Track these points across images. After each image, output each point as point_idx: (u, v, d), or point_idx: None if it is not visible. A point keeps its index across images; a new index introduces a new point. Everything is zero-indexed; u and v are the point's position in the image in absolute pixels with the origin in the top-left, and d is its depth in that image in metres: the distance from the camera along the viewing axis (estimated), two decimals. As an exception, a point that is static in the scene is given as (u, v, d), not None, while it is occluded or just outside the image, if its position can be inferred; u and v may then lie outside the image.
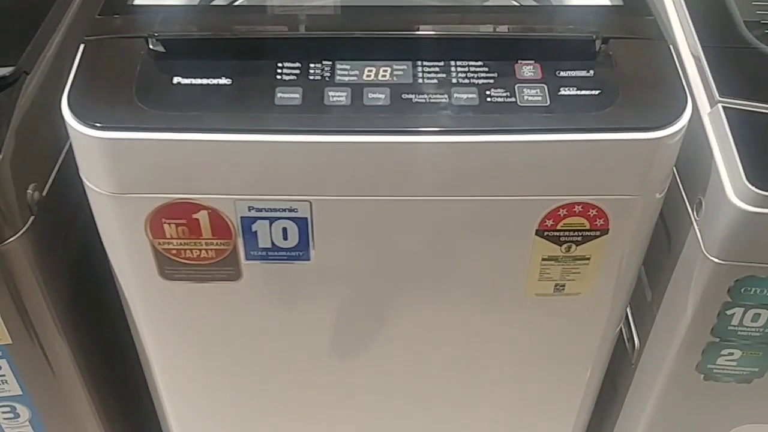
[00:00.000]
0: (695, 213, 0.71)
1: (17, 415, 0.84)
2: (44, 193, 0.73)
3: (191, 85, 0.64)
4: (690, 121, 0.65)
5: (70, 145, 0.67)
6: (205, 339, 0.81)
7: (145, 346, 0.81)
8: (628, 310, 0.89)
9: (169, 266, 0.72)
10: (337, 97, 0.63)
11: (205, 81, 0.64)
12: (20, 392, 0.81)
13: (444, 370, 0.85)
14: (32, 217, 0.71)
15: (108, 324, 0.87)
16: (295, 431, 0.94)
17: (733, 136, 0.66)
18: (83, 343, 0.82)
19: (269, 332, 0.80)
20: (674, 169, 0.71)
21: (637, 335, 0.86)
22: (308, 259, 0.72)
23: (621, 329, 0.89)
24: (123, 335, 0.82)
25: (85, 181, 0.68)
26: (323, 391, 0.88)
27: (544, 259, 0.71)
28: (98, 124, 0.62)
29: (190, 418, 0.91)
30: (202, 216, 0.68)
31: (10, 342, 0.76)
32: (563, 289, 0.74)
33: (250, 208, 0.67)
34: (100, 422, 0.88)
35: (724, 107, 0.68)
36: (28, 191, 0.70)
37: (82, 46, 0.67)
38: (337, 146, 0.63)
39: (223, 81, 0.64)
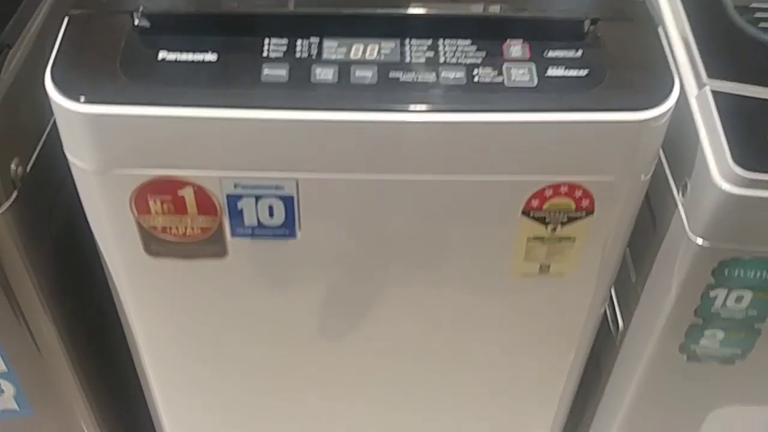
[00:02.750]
0: (681, 195, 0.71)
1: (1, 391, 0.84)
2: (28, 169, 0.72)
3: (176, 60, 0.63)
4: (677, 103, 0.65)
5: (55, 121, 0.66)
6: (191, 317, 0.81)
7: (131, 323, 0.81)
8: (613, 291, 0.89)
9: (155, 243, 0.72)
10: (324, 74, 0.63)
11: (190, 57, 0.63)
12: (5, 369, 0.81)
13: (429, 349, 0.85)
14: (15, 192, 0.70)
15: (94, 301, 0.87)
16: (282, 410, 0.94)
17: (720, 119, 0.66)
18: (68, 320, 0.82)
19: (256, 311, 0.80)
20: (660, 151, 0.71)
21: (621, 316, 0.87)
22: (294, 237, 0.71)
23: (605, 310, 0.89)
24: (109, 313, 0.82)
25: (69, 156, 0.67)
26: (310, 370, 0.88)
27: (529, 240, 0.72)
28: (82, 99, 0.62)
29: (177, 395, 0.91)
30: (188, 193, 0.67)
31: (-6, 318, 0.76)
32: (548, 270, 0.74)
33: (236, 186, 0.67)
34: (85, 400, 0.88)
35: (711, 90, 0.68)
36: (11, 166, 0.70)
37: (66, 20, 0.66)
38: (324, 124, 0.62)
39: (209, 57, 0.63)
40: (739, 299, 0.72)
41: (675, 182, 0.72)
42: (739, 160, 0.64)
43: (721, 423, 0.85)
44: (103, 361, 0.93)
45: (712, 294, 0.72)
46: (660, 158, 0.74)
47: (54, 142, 0.69)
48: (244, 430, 0.97)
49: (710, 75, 0.69)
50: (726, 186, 0.64)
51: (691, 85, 0.71)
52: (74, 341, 0.84)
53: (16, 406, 0.86)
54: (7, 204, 0.69)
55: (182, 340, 0.83)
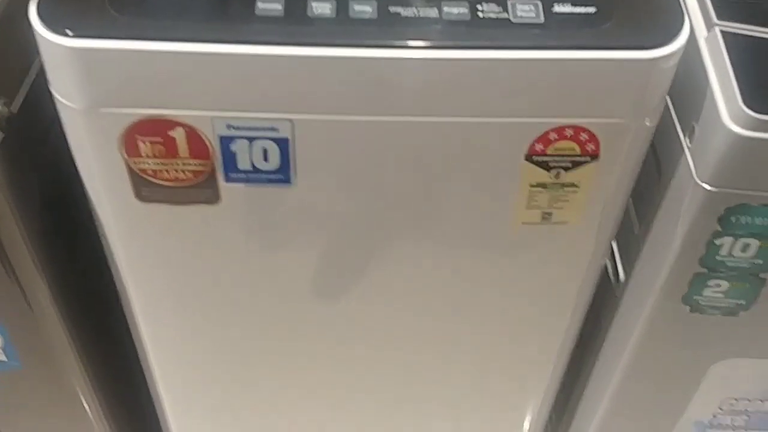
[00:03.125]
0: (688, 140, 0.69)
1: (-11, 342, 0.82)
2: (14, 110, 0.70)
3: (167, -8, 0.61)
4: (686, 45, 0.62)
5: (42, 60, 0.63)
6: (183, 266, 0.79)
7: (122, 272, 0.79)
8: (614, 244, 0.88)
9: (146, 187, 0.69)
10: (322, 8, 0.60)
11: (182, -11, 0.61)
12: (-8, 319, 0.79)
13: (428, 302, 0.83)
14: (1, 134, 0.68)
15: (83, 249, 0.85)
16: (274, 365, 0.93)
17: (730, 60, 0.64)
18: (58, 268, 0.80)
19: (249, 262, 0.78)
20: (667, 96, 0.69)
21: (623, 268, 0.85)
22: (290, 183, 0.69)
23: (606, 263, 0.88)
24: (99, 261, 0.80)
25: (55, 95, 0.65)
26: (304, 324, 0.87)
27: (532, 186, 0.70)
28: (69, 33, 0.59)
29: (169, 346, 0.89)
30: (179, 134, 0.65)
31: (-20, 265, 0.74)
32: (550, 218, 0.73)
33: (228, 126, 0.65)
34: (75, 353, 0.86)
35: (721, 31, 0.66)
36: (-3, 106, 0.67)
37: (52, -49, 0.63)
38: (320, 60, 0.60)
39: (201, -11, 0.61)
40: (745, 248, 0.70)
41: (682, 127, 0.70)
42: (749, 102, 0.62)
43: (722, 376, 0.84)
44: (94, 313, 0.92)
45: (717, 242, 0.70)
46: (667, 103, 0.72)
47: (41, 83, 0.66)
48: (237, 382, 0.95)
49: (720, 16, 0.67)
50: (736, 128, 0.63)
51: (701, 26, 0.68)
52: (63, 290, 0.82)
53: (4, 358, 0.84)
54: (-8, 146, 0.67)
55: (174, 290, 0.82)
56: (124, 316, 0.86)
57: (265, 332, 0.88)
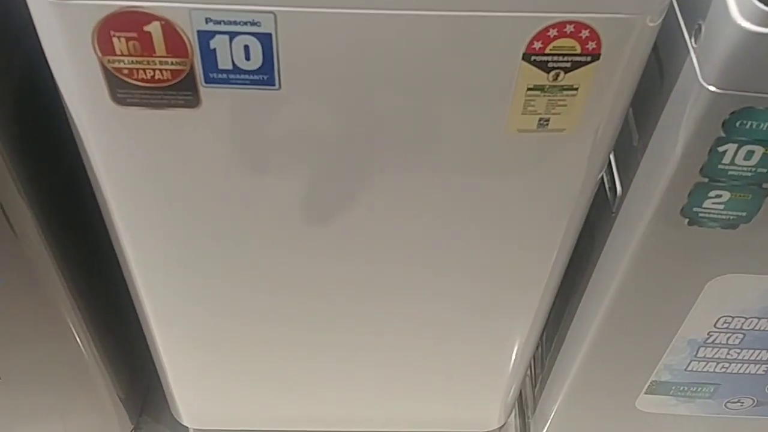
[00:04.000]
0: (693, 40, 0.66)
1: (-33, 255, 0.79)
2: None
3: None
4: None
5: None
6: (164, 176, 0.76)
7: (101, 180, 0.76)
8: (612, 157, 0.85)
9: (121, 89, 0.66)
10: None
11: None
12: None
13: (422, 219, 0.81)
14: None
15: (61, 159, 0.81)
16: (260, 293, 0.91)
17: (742, -50, 0.60)
18: (34, 178, 0.77)
19: (233, 174, 0.75)
20: (672, -4, 0.66)
21: (620, 182, 0.83)
22: (273, 85, 0.66)
23: (603, 178, 0.85)
24: (79, 170, 0.76)
25: (22, -14, 0.61)
26: (291, 251, 0.84)
27: (529, 89, 0.66)
28: None
29: (153, 261, 0.87)
30: (155, 28, 0.61)
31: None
32: (547, 125, 0.69)
33: (207, 20, 0.61)
34: (54, 263, 0.84)
35: None
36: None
37: None
38: (305, -56, 0.56)
39: None
40: (748, 155, 0.67)
41: (687, 27, 0.67)
42: (760, -4, 0.58)
43: (719, 294, 0.83)
44: (75, 224, 0.89)
45: (720, 149, 0.67)
46: (671, 2, 0.68)
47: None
48: (225, 313, 0.93)
49: None
50: (746, 24, 0.59)
51: None
52: (42, 203, 0.79)
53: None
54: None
55: (156, 201, 0.79)
56: (106, 230, 0.83)
57: (249, 251, 0.85)
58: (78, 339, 0.96)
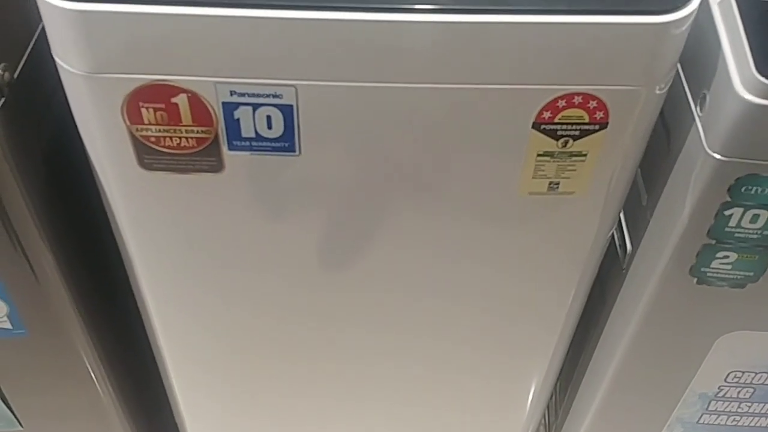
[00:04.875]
0: (698, 109, 0.68)
1: (-6, 310, 0.82)
2: (16, 75, 0.69)
3: (169, -45, 0.60)
4: (698, 10, 0.61)
5: (44, 25, 0.63)
6: (187, 235, 0.78)
7: (126, 240, 0.79)
8: (622, 215, 0.87)
9: (149, 155, 0.69)
10: (327, -29, 0.59)
11: (183, -49, 0.60)
12: (-3, 286, 0.79)
13: (433, 274, 0.83)
14: (2, 99, 0.67)
15: (88, 217, 0.84)
16: (280, 333, 0.93)
17: (743, 25, 0.63)
18: (61, 235, 0.80)
19: (254, 233, 0.78)
20: (678, 64, 0.68)
21: (630, 240, 0.85)
22: (294, 152, 0.69)
23: (613, 235, 0.87)
24: (104, 228, 0.79)
25: (58, 60, 0.64)
26: (309, 299, 0.87)
27: (539, 155, 0.69)
28: (70, -5, 0.58)
29: (174, 316, 0.89)
30: (182, 100, 0.64)
31: (-17, 232, 0.73)
32: (557, 188, 0.72)
33: (231, 93, 0.64)
34: (79, 318, 0.86)
35: (734, -5, 0.65)
36: (-2, 71, 0.67)
37: None
38: (325, 24, 0.59)
39: (204, -49, 0.60)
40: (754, 218, 0.69)
41: (692, 95, 0.69)
42: (762, 69, 0.61)
43: (729, 349, 0.84)
44: (99, 282, 0.91)
45: (726, 213, 0.69)
46: (677, 71, 0.70)
47: (43, 48, 0.66)
48: (241, 354, 0.95)
49: (734, -19, 0.66)
50: (748, 96, 0.61)
51: (714, -9, 0.67)
52: (69, 260, 0.82)
53: (9, 325, 0.84)
54: (-7, 111, 0.66)
55: (178, 259, 0.81)
56: (129, 285, 0.86)
57: (270, 302, 0.87)
58: (97, 384, 0.98)
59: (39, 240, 0.77)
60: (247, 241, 0.79)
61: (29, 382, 0.95)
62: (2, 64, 0.67)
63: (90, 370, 0.95)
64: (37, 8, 0.61)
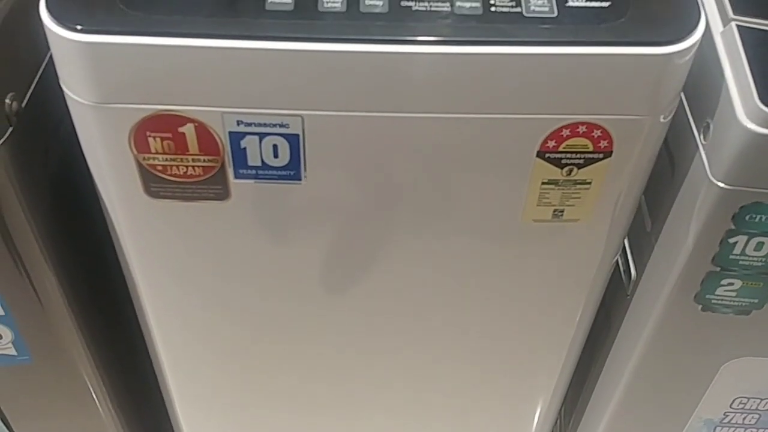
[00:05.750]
0: (702, 137, 0.68)
1: (-1, 336, 0.82)
2: (23, 104, 0.70)
3: (177, -13, 0.60)
4: (701, 40, 0.62)
5: (51, 54, 0.63)
6: (193, 262, 0.78)
7: (131, 267, 0.79)
8: (626, 241, 0.87)
9: (155, 183, 0.69)
10: (332, 3, 0.60)
11: (192, -17, 0.60)
12: (2, 313, 0.79)
13: (437, 299, 0.83)
14: (11, 129, 0.67)
15: (93, 245, 0.85)
16: (284, 361, 0.93)
17: (746, 56, 0.63)
18: (66, 263, 0.80)
19: (259, 258, 0.78)
20: (681, 93, 0.68)
21: (634, 266, 0.85)
22: (300, 180, 0.69)
23: (618, 261, 0.87)
24: (109, 256, 0.80)
25: (65, 90, 0.64)
26: (314, 321, 0.87)
27: (543, 183, 0.69)
28: (78, 27, 0.59)
29: (178, 341, 0.89)
30: (189, 130, 0.65)
31: (-11, 259, 0.73)
32: (562, 215, 0.72)
33: (238, 123, 0.64)
34: (84, 345, 0.86)
35: (737, 25, 0.65)
36: (6, 101, 0.67)
37: (61, -54, 0.62)
38: (331, 55, 0.59)
39: (211, -17, 0.60)
40: (759, 246, 0.69)
41: (696, 124, 0.69)
42: (765, 99, 0.61)
43: (734, 375, 0.84)
44: (103, 308, 0.92)
45: (731, 240, 0.69)
46: (681, 99, 0.71)
47: (51, 77, 0.66)
48: (246, 378, 0.95)
49: (736, 11, 0.66)
50: (751, 126, 0.62)
51: (717, 21, 0.67)
52: (73, 284, 0.82)
53: (14, 352, 0.84)
54: (1, 140, 0.67)
55: (183, 285, 0.81)
56: (133, 310, 0.86)
57: (274, 327, 0.87)
58: (101, 409, 0.98)
59: (44, 267, 0.78)
60: (251, 266, 0.79)
61: (33, 407, 0.95)
62: (11, 94, 0.68)
63: (94, 395, 0.95)
64: (45, 38, 0.61)
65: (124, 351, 0.99)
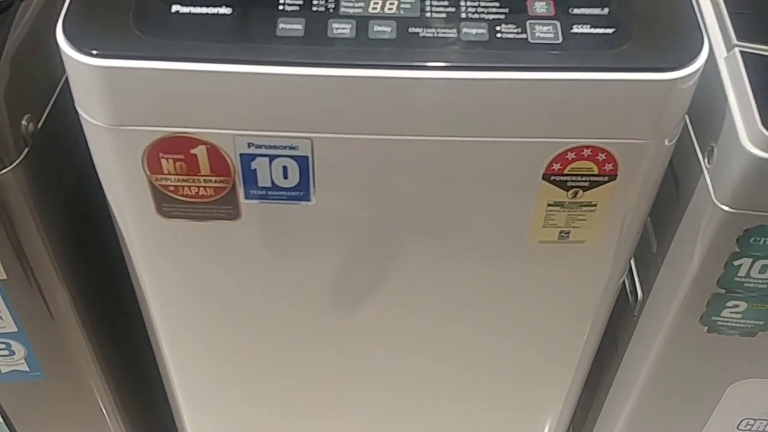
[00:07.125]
0: (706, 161, 0.69)
1: (12, 353, 0.83)
2: (39, 125, 0.71)
3: (190, 13, 0.62)
4: (705, 65, 0.63)
5: (67, 76, 0.65)
6: (203, 280, 0.80)
7: (143, 285, 0.80)
8: (632, 262, 0.87)
9: (167, 203, 0.70)
10: (341, 29, 0.61)
11: (204, 9, 0.62)
12: (15, 329, 0.80)
13: (444, 318, 0.83)
14: (27, 149, 0.69)
15: (105, 263, 0.86)
16: (293, 377, 0.93)
17: (749, 81, 0.64)
18: (79, 280, 0.81)
19: (269, 276, 0.79)
20: (686, 116, 0.69)
21: (641, 287, 0.85)
22: (309, 200, 0.70)
23: (624, 281, 0.88)
24: (121, 274, 0.81)
25: (80, 112, 0.66)
26: (324, 337, 0.87)
27: (549, 205, 0.70)
28: (94, 52, 0.60)
29: (189, 359, 0.90)
30: (201, 151, 0.66)
31: (5, 277, 0.75)
32: (568, 237, 0.73)
33: (249, 145, 0.66)
34: (96, 362, 0.87)
35: (741, 51, 0.66)
36: (23, 122, 0.69)
37: (78, -28, 0.64)
38: (340, 80, 0.61)
39: (224, 10, 0.62)
40: (763, 269, 0.70)
41: (700, 147, 0.70)
42: (768, 124, 0.62)
43: (740, 397, 0.84)
44: (115, 324, 0.93)
45: (736, 263, 0.70)
46: (685, 123, 0.72)
47: (66, 99, 0.68)
48: (256, 396, 0.96)
49: (740, 37, 0.67)
50: (754, 150, 0.62)
51: (720, 47, 0.68)
52: (86, 302, 0.83)
53: (26, 368, 0.85)
54: (18, 161, 0.68)
55: (194, 303, 0.82)
56: (144, 327, 0.87)
57: (284, 344, 0.88)
58: (111, 426, 0.98)
59: (57, 284, 0.79)
60: (260, 284, 0.80)
61: (45, 423, 0.96)
62: (27, 115, 0.69)
63: (105, 412, 0.96)
64: (61, 61, 0.63)
65: (135, 367, 1.00)
